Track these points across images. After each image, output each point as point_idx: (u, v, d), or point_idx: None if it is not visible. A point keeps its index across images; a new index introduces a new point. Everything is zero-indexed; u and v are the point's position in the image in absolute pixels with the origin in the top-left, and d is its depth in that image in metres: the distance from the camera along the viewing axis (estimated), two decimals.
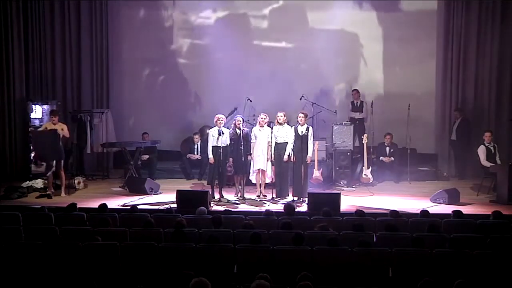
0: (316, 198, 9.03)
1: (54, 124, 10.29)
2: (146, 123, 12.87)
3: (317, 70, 13.05)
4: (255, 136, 10.03)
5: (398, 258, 6.22)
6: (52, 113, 10.68)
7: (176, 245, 6.46)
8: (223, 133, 9.83)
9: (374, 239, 6.82)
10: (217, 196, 10.00)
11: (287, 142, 9.87)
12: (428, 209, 8.49)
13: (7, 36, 12.07)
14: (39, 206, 9.08)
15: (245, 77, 13.06)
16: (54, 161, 10.25)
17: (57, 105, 12.37)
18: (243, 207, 9.45)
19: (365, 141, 11.10)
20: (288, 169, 9.99)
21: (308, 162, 9.93)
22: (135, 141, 11.98)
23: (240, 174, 10.09)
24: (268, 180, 10.20)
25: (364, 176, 11.10)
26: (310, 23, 13.02)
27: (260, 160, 10.01)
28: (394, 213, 7.88)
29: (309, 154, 9.89)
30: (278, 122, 9.95)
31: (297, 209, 8.85)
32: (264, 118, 10.06)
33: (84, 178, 11.54)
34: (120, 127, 13.15)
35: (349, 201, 9.80)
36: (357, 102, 12.46)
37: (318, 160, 10.69)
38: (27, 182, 10.97)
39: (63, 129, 10.35)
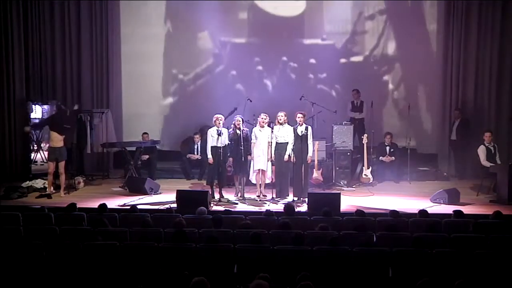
0: (316, 198, 9.04)
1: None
2: (146, 123, 12.86)
3: (318, 70, 13.07)
4: (255, 136, 10.04)
5: (398, 258, 6.22)
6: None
7: (176, 245, 6.45)
8: (222, 133, 9.83)
9: (374, 239, 6.82)
10: (217, 196, 10.01)
11: (287, 142, 9.88)
12: (428, 209, 8.50)
13: (7, 36, 12.07)
14: (39, 206, 9.08)
15: (245, 77, 13.08)
16: (55, 162, 10.29)
17: (57, 105, 12.37)
18: (243, 207, 9.44)
19: (365, 141, 11.11)
20: (288, 169, 9.99)
21: (308, 162, 9.94)
22: (135, 141, 11.97)
23: (240, 174, 10.09)
24: (268, 180, 10.21)
25: (364, 176, 11.11)
26: (310, 23, 13.03)
27: (261, 160, 10.01)
28: (394, 213, 7.88)
29: (309, 154, 9.90)
30: (278, 122, 9.96)
31: (297, 209, 8.85)
32: (264, 119, 10.05)
33: (84, 178, 11.54)
34: (120, 127, 13.15)
35: (349, 201, 9.80)
36: (357, 102, 12.46)
37: (318, 160, 10.70)
38: (27, 182, 10.98)
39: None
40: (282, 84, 12.99)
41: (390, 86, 13.13)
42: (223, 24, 13.03)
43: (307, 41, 13.10)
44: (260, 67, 13.09)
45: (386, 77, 13.13)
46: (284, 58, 13.11)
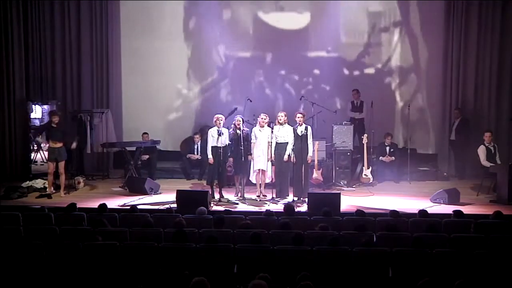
0: (316, 198, 9.03)
1: (56, 124, 10.30)
2: (146, 123, 12.86)
3: (317, 70, 13.08)
4: (255, 136, 10.04)
5: (398, 258, 6.22)
6: (53, 114, 10.61)
7: (176, 245, 6.45)
8: (222, 133, 9.83)
9: (374, 239, 6.82)
10: (217, 196, 10.01)
11: (287, 142, 9.89)
12: (428, 209, 8.51)
13: (7, 36, 12.06)
14: (39, 206, 9.08)
15: (245, 77, 13.08)
16: (55, 163, 10.29)
17: (57, 105, 12.38)
18: (243, 207, 9.44)
19: (365, 141, 11.12)
20: (288, 169, 9.99)
21: (308, 162, 9.94)
22: (135, 141, 11.97)
23: (240, 174, 10.09)
24: (268, 180, 10.22)
25: (364, 176, 11.11)
26: (311, 24, 13.03)
27: (261, 160, 10.01)
28: (394, 213, 7.88)
29: (310, 153, 9.91)
30: (278, 122, 9.97)
31: (297, 209, 8.86)
32: (264, 119, 10.06)
33: (84, 178, 11.54)
34: (120, 127, 13.14)
35: (349, 201, 9.80)
36: (357, 102, 12.45)
37: (318, 160, 10.70)
38: (27, 182, 10.98)
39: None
40: (284, 96, 13.01)
41: (390, 86, 13.10)
42: (223, 22, 13.02)
43: (312, 54, 13.08)
44: (263, 79, 13.06)
45: (386, 78, 13.10)
46: (288, 71, 13.07)
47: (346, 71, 13.07)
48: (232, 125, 10.08)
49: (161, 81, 13.31)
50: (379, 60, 13.06)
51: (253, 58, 13.14)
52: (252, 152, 10.02)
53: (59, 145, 10.31)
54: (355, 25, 12.95)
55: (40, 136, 11.28)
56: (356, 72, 13.08)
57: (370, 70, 13.09)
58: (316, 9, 12.93)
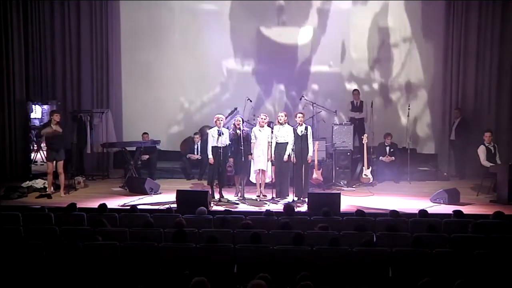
0: (316, 198, 9.03)
1: (56, 124, 10.28)
2: (146, 123, 12.85)
3: (317, 69, 13.10)
4: (255, 136, 10.05)
5: (398, 258, 6.22)
6: (53, 112, 10.59)
7: (176, 245, 6.45)
8: (222, 133, 9.83)
9: (374, 239, 6.82)
10: (217, 196, 10.01)
11: (287, 142, 9.89)
12: (428, 209, 8.50)
13: (7, 36, 12.06)
14: (39, 206, 9.08)
15: (245, 77, 13.07)
16: (55, 162, 10.29)
17: (57, 105, 12.38)
18: (243, 207, 9.44)
19: (365, 141, 11.13)
20: (288, 169, 9.99)
21: (309, 162, 9.95)
22: (135, 141, 11.97)
23: (240, 174, 10.09)
24: (268, 180, 10.22)
25: (364, 176, 11.12)
26: (310, 24, 13.04)
27: (261, 161, 10.02)
28: (394, 213, 7.88)
29: (310, 153, 9.91)
30: (278, 122, 9.98)
31: (297, 209, 8.86)
32: (264, 119, 10.07)
33: (84, 178, 11.54)
34: (120, 127, 13.14)
35: (349, 201, 9.80)
36: (357, 102, 12.46)
37: (318, 160, 10.70)
38: (27, 182, 10.98)
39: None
40: (283, 83, 13.01)
41: (390, 86, 13.10)
42: (224, 22, 13.02)
43: (313, 68, 13.06)
44: (263, 94, 13.04)
45: (385, 78, 13.10)
46: (290, 86, 13.06)
47: (347, 85, 13.05)
48: (232, 125, 10.09)
49: (161, 82, 13.30)
50: (380, 63, 13.03)
51: (256, 72, 13.10)
52: (252, 152, 10.02)
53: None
54: (358, 34, 12.95)
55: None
56: (358, 77, 13.07)
57: (374, 83, 13.07)
58: (317, 25, 12.93)
